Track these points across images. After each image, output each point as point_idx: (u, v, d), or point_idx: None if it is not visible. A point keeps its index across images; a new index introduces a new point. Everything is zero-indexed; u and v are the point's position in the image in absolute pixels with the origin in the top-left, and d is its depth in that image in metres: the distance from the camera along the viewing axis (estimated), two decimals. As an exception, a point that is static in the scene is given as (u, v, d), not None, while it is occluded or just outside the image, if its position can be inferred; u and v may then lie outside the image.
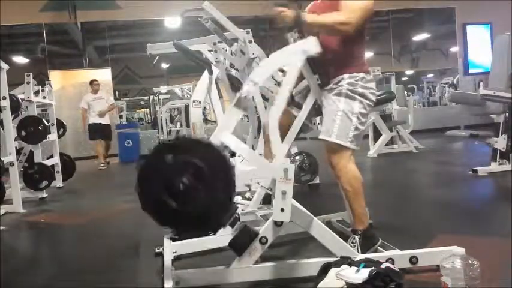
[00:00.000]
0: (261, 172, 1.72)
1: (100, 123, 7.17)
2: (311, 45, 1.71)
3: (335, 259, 1.67)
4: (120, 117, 10.23)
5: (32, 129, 4.39)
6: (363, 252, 1.86)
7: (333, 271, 1.56)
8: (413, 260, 1.80)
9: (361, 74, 1.96)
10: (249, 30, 3.05)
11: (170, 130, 8.13)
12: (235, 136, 1.82)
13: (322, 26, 1.84)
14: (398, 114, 6.87)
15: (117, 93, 10.18)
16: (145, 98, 11.59)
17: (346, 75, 1.95)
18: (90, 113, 7.20)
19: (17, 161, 4.14)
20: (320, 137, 1.98)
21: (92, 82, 7.41)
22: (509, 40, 4.04)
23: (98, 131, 7.19)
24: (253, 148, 3.04)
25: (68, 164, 5.42)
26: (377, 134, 6.24)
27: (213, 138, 1.64)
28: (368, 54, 10.82)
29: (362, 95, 1.94)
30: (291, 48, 1.73)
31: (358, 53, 2.00)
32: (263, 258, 1.79)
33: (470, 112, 7.24)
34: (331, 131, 1.92)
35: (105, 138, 7.32)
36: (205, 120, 7.69)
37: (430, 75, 12.67)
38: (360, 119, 1.94)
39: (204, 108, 6.29)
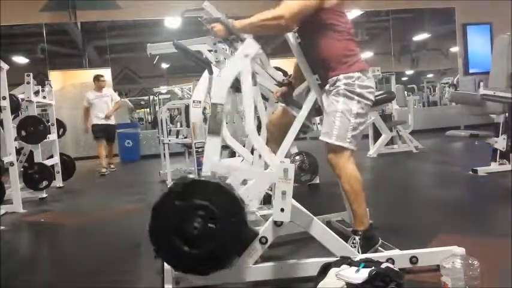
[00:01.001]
0: (261, 183, 1.75)
1: (104, 124, 6.62)
2: (249, 47, 1.74)
3: (335, 259, 1.67)
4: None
5: (32, 129, 4.39)
6: (363, 252, 1.86)
7: (333, 271, 1.56)
8: (413, 260, 1.81)
9: (357, 74, 1.94)
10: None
11: (170, 130, 8.12)
12: (234, 139, 1.84)
13: (254, 25, 1.80)
14: (398, 114, 6.86)
15: (117, 93, 10.16)
16: (145, 98, 11.58)
17: (341, 76, 1.94)
18: (93, 113, 6.60)
19: (17, 161, 4.14)
20: (321, 138, 1.98)
21: (97, 78, 6.72)
22: (509, 40, 4.04)
23: (103, 131, 6.64)
24: (253, 149, 3.04)
25: (68, 164, 5.42)
26: (377, 134, 6.24)
27: (204, 169, 1.69)
28: (368, 54, 10.84)
29: (360, 95, 1.93)
30: (234, 57, 1.77)
31: (349, 52, 1.97)
32: (263, 258, 1.79)
33: (470, 112, 7.24)
34: (331, 133, 1.93)
35: (108, 140, 6.77)
36: (205, 120, 7.66)
37: (430, 75, 12.66)
38: (357, 119, 1.93)
39: (204, 108, 6.28)
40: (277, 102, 2.97)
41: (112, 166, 6.96)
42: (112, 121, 6.81)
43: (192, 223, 1.50)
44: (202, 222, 1.50)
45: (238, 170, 1.78)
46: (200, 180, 1.58)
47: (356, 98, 1.93)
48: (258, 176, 1.76)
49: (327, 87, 1.98)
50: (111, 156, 7.05)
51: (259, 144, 1.77)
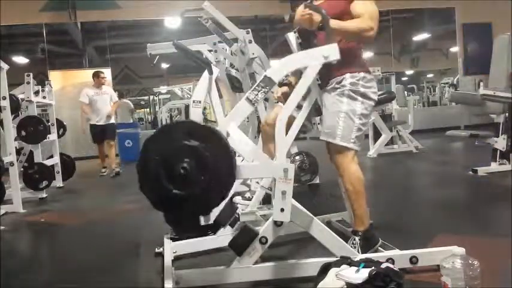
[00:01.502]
0: (262, 169, 1.73)
1: (103, 125, 6.16)
2: (332, 52, 1.70)
3: (335, 259, 1.67)
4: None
5: (32, 129, 4.40)
6: (363, 252, 1.86)
7: (333, 271, 1.56)
8: (413, 260, 1.81)
9: (362, 74, 1.97)
10: (249, 30, 3.05)
11: (170, 130, 8.12)
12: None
13: (348, 32, 1.87)
14: (398, 114, 6.87)
15: (116, 93, 10.16)
16: (145, 98, 11.59)
17: (347, 75, 1.95)
18: (91, 111, 6.18)
19: (17, 161, 4.14)
20: (323, 138, 1.98)
21: (97, 74, 6.26)
22: (509, 40, 4.04)
23: (101, 132, 6.16)
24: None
25: (68, 164, 5.42)
26: (377, 134, 6.24)
27: (220, 127, 1.66)
28: (368, 54, 10.83)
29: (364, 95, 1.95)
30: (312, 51, 1.72)
31: (358, 53, 2.02)
32: (263, 258, 1.79)
33: (470, 112, 7.23)
34: (335, 133, 1.93)
35: (107, 138, 6.21)
36: (205, 120, 7.67)
37: (430, 75, 12.67)
38: (362, 120, 1.95)
39: (204, 108, 6.27)
40: (277, 102, 2.97)
41: (116, 168, 6.19)
42: (111, 120, 6.28)
43: (183, 164, 1.48)
44: (193, 168, 1.48)
45: (249, 145, 1.73)
46: (212, 131, 1.54)
47: (360, 98, 1.94)
48: (262, 161, 1.72)
49: (332, 85, 1.99)
50: (113, 156, 6.40)
51: (280, 139, 1.73)
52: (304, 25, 1.86)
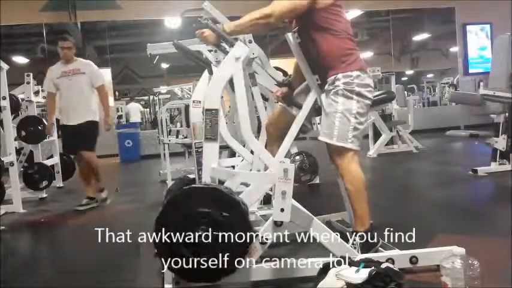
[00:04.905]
0: (261, 185, 1.75)
1: (74, 125, 3.86)
2: (239, 49, 1.72)
3: (335, 259, 1.67)
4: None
5: (32, 129, 4.39)
6: (363, 252, 1.86)
7: (333, 271, 1.56)
8: (413, 260, 1.81)
9: (356, 72, 1.94)
10: (249, 30, 3.05)
11: (170, 130, 8.12)
12: (235, 139, 1.84)
13: (244, 26, 1.83)
14: (398, 114, 6.86)
15: (117, 93, 10.18)
16: (145, 98, 11.60)
17: (340, 75, 1.94)
18: (59, 104, 4.03)
19: (17, 161, 4.14)
20: (321, 139, 1.98)
21: (59, 42, 4.03)
22: (509, 40, 4.04)
23: (73, 138, 3.89)
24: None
25: (68, 164, 5.41)
26: (377, 134, 6.24)
27: (204, 176, 1.70)
28: (368, 54, 10.84)
29: (359, 94, 1.93)
30: (225, 60, 1.75)
31: (347, 51, 1.97)
32: (263, 258, 1.79)
33: (470, 112, 7.23)
34: (332, 134, 1.93)
35: (81, 147, 3.85)
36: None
37: (430, 75, 12.66)
38: (357, 119, 1.93)
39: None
40: (277, 102, 2.98)
41: (103, 195, 4.03)
42: (91, 116, 3.92)
43: (196, 232, 1.53)
44: (205, 230, 1.53)
45: (238, 175, 1.78)
46: (201, 188, 1.58)
47: (355, 97, 1.93)
48: (257, 179, 1.76)
49: (326, 86, 1.98)
50: (98, 177, 3.99)
51: (257, 147, 1.77)
52: (210, 44, 1.88)
